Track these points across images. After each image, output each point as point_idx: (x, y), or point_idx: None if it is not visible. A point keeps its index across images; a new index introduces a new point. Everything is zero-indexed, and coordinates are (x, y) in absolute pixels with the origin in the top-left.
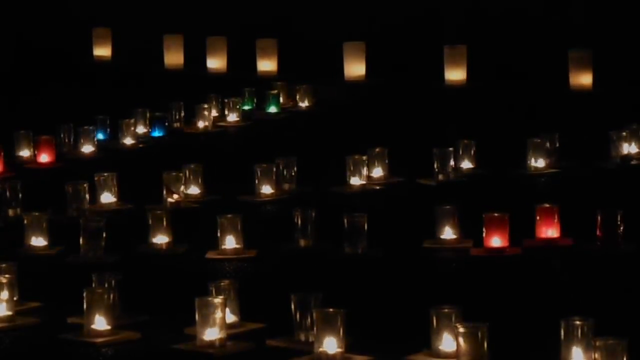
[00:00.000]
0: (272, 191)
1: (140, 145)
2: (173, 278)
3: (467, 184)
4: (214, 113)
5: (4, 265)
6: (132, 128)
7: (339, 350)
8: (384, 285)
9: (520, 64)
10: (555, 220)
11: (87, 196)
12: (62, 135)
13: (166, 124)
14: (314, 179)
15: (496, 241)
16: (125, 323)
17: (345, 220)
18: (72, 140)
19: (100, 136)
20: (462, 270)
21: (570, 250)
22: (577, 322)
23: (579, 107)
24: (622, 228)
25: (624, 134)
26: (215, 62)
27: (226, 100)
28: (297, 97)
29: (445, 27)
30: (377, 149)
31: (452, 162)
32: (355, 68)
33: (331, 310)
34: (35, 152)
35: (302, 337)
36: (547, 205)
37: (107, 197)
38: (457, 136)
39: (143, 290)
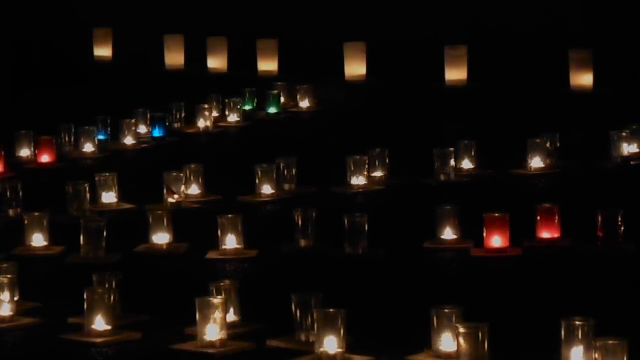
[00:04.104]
0: (272, 191)
1: (142, 146)
2: (174, 278)
3: (468, 185)
4: (215, 113)
5: (4, 265)
6: (133, 128)
7: (340, 350)
8: (384, 285)
9: (520, 64)
10: (556, 221)
11: (88, 196)
12: (62, 136)
13: (167, 124)
14: (315, 179)
15: (497, 241)
16: (126, 323)
17: (346, 221)
18: (72, 140)
19: (101, 136)
20: (463, 270)
21: (570, 251)
22: (578, 323)
23: (580, 107)
24: (622, 228)
25: (625, 134)
26: (216, 63)
27: (227, 101)
28: (298, 97)
29: (447, 28)
30: (377, 150)
31: (452, 163)
32: (355, 68)
33: (332, 310)
34: (36, 152)
35: (303, 338)
36: (548, 206)
37: (108, 197)
38: (455, 135)
39: (144, 290)
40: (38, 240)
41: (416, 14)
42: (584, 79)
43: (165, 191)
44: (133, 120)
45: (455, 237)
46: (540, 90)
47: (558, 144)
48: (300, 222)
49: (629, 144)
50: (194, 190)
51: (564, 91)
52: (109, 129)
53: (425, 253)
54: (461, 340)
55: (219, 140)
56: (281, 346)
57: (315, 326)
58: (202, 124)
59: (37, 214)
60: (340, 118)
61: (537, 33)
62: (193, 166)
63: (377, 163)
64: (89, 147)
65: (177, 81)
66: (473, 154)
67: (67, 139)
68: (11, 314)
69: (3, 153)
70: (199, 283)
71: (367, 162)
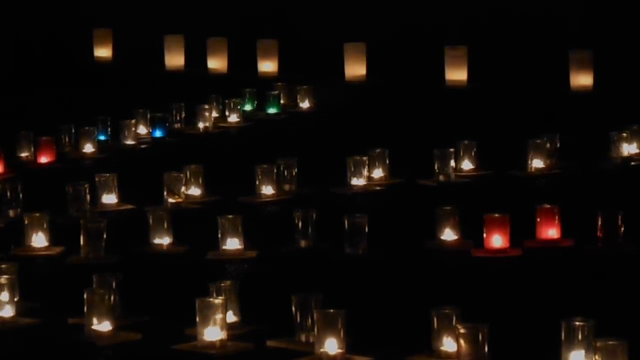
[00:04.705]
0: (272, 192)
1: (141, 146)
2: (174, 279)
3: (468, 185)
4: (215, 114)
5: (4, 265)
6: (133, 129)
7: (340, 351)
8: (384, 286)
9: (520, 64)
10: (556, 221)
11: (88, 197)
12: (62, 136)
13: (167, 124)
14: (315, 179)
15: (497, 242)
16: (126, 324)
17: (346, 221)
18: (72, 140)
19: (101, 137)
20: (463, 271)
21: (570, 251)
22: (578, 323)
23: (580, 107)
24: (622, 229)
25: (625, 134)
26: (216, 63)
27: (227, 101)
28: (298, 97)
29: (446, 28)
30: (377, 150)
31: (452, 163)
32: (355, 68)
33: (332, 311)
34: (36, 152)
35: (303, 338)
36: (548, 206)
37: (108, 198)
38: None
39: (144, 291)
40: (38, 240)
41: (416, 14)
42: (584, 79)
43: (165, 191)
44: (133, 121)
45: (455, 237)
46: (540, 90)
47: (558, 144)
48: (300, 223)
49: (629, 144)
50: (194, 190)
51: (564, 91)
52: (109, 129)
53: (425, 253)
54: (461, 341)
55: (219, 141)
56: (281, 346)
57: (315, 327)
58: (202, 124)
59: (37, 214)
60: (341, 119)
61: (537, 33)
62: (193, 166)
63: (377, 163)
64: (89, 148)
65: (177, 81)
66: (473, 154)
67: (67, 139)
68: (11, 314)
69: (3, 154)
70: (199, 283)
71: (367, 162)
